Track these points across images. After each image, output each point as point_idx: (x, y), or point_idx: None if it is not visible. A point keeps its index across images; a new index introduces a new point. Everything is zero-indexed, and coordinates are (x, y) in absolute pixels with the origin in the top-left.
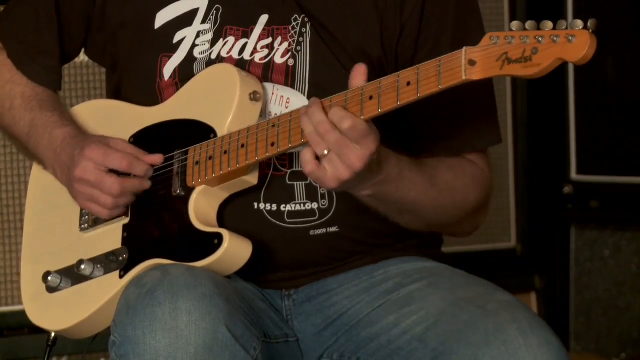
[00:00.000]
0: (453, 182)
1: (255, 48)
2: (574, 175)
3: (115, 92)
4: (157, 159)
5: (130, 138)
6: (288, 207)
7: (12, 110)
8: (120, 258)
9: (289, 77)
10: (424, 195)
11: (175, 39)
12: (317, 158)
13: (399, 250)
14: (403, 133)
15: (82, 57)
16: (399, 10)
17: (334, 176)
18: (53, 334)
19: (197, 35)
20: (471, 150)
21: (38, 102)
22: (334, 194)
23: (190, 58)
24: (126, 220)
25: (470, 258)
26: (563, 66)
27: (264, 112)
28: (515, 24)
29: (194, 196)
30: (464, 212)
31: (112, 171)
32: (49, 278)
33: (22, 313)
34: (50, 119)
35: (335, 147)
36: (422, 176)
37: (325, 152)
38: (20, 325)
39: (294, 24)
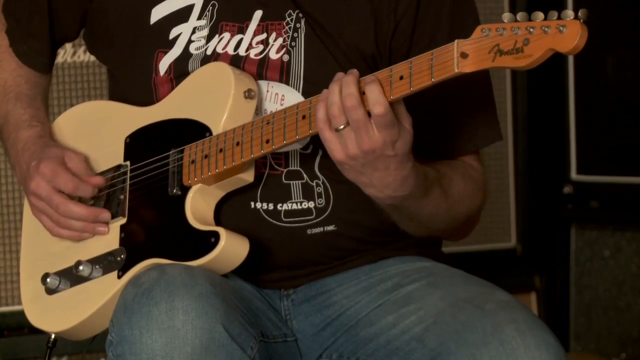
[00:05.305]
0: (464, 192)
1: (250, 44)
2: (574, 175)
3: (113, 88)
4: (99, 180)
5: (127, 138)
6: (285, 206)
7: None
8: (119, 258)
9: (283, 73)
10: (438, 208)
11: (171, 35)
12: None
13: (398, 249)
14: None
15: (82, 57)
16: (394, 6)
17: (342, 146)
18: (53, 336)
19: (193, 31)
20: (474, 149)
21: (15, 95)
22: (331, 192)
23: (186, 54)
24: (123, 220)
25: (470, 258)
26: (563, 66)
27: (258, 110)
28: (506, 16)
29: (190, 195)
30: (468, 218)
31: None
32: (48, 279)
33: (22, 313)
34: (22, 117)
35: (355, 124)
36: (439, 190)
37: (342, 126)
38: (20, 325)
39: (288, 19)
